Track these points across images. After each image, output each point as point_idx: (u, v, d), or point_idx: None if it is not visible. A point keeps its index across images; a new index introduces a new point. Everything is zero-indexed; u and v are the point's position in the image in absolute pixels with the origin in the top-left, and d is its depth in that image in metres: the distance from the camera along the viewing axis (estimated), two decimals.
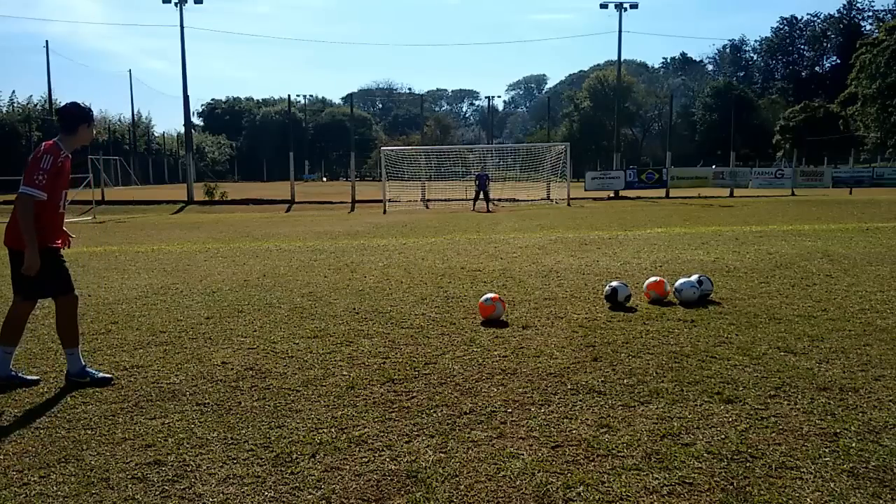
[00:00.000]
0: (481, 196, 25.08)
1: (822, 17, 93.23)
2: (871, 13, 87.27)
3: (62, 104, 4.55)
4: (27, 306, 4.42)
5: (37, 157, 4.17)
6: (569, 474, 3.01)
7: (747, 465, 3.06)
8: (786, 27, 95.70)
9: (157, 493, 2.93)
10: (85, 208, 27.06)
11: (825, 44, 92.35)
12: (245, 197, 33.74)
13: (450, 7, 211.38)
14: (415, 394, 4.09)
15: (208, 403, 3.98)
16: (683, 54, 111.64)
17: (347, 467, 3.13)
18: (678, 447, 3.25)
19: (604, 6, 39.50)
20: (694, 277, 6.58)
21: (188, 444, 3.41)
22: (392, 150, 32.73)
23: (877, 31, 63.07)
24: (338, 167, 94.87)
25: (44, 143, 4.29)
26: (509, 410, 3.79)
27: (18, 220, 4.16)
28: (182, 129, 56.37)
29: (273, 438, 3.46)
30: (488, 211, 23.97)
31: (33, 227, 4.11)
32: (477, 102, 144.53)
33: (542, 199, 30.28)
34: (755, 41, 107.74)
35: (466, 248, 11.56)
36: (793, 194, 32.15)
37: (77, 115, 4.32)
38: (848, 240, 11.54)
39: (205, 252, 11.74)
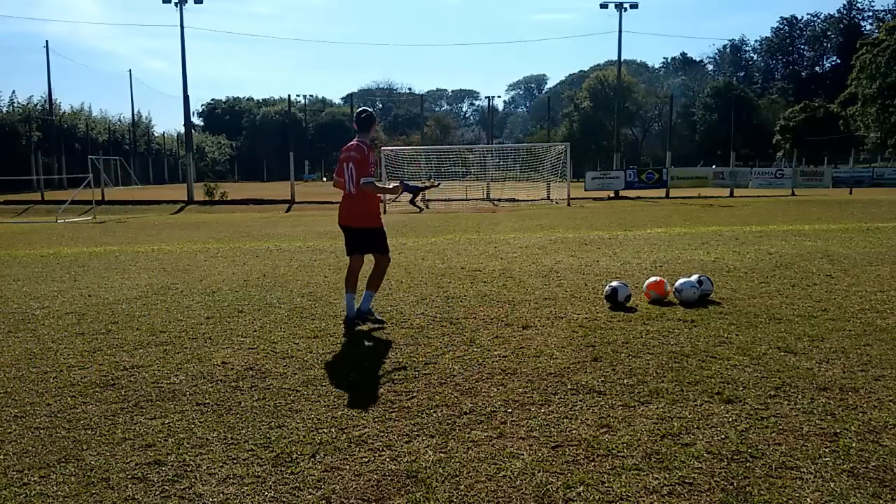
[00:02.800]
0: (417, 201, 26.01)
1: (822, 17, 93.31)
2: (871, 13, 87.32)
3: (359, 110, 6.03)
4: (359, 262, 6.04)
5: (367, 156, 5.80)
6: (569, 474, 3.01)
7: (747, 465, 3.06)
8: (786, 27, 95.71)
9: (157, 493, 2.93)
10: (85, 208, 27.06)
11: (825, 44, 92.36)
12: (245, 197, 33.73)
13: (450, 7, 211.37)
14: (415, 394, 4.09)
15: (208, 403, 3.98)
16: (683, 54, 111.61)
17: (347, 467, 3.14)
18: (678, 447, 3.25)
19: (604, 6, 39.52)
20: (694, 277, 6.58)
21: (188, 444, 3.41)
22: (392, 150, 32.74)
23: (877, 31, 63.08)
24: None
25: (358, 143, 5.86)
26: (509, 410, 3.79)
27: (373, 194, 5.86)
28: (182, 129, 56.42)
29: (273, 438, 3.46)
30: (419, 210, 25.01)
31: (384, 190, 6.16)
32: (477, 102, 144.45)
33: (542, 199, 30.27)
34: (755, 41, 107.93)
35: (466, 248, 11.56)
36: (793, 194, 32.14)
37: (370, 117, 5.94)
38: (848, 240, 11.54)
39: (205, 252, 11.74)
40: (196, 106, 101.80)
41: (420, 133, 56.97)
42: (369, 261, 6.09)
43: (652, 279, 6.66)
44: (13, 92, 63.62)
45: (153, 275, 9.00)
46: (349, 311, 5.84)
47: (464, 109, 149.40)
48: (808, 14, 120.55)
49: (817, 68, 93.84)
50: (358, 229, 5.93)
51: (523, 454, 3.22)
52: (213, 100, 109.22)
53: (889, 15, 75.35)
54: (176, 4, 33.88)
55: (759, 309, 6.11)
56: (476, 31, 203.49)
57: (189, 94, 35.50)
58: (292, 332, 5.61)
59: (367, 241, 5.95)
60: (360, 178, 5.77)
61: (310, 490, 2.93)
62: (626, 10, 39.19)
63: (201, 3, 34.19)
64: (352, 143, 5.96)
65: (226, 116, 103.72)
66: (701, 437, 3.37)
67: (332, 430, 3.57)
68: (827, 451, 3.18)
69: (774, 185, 34.51)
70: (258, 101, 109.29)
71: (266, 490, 2.93)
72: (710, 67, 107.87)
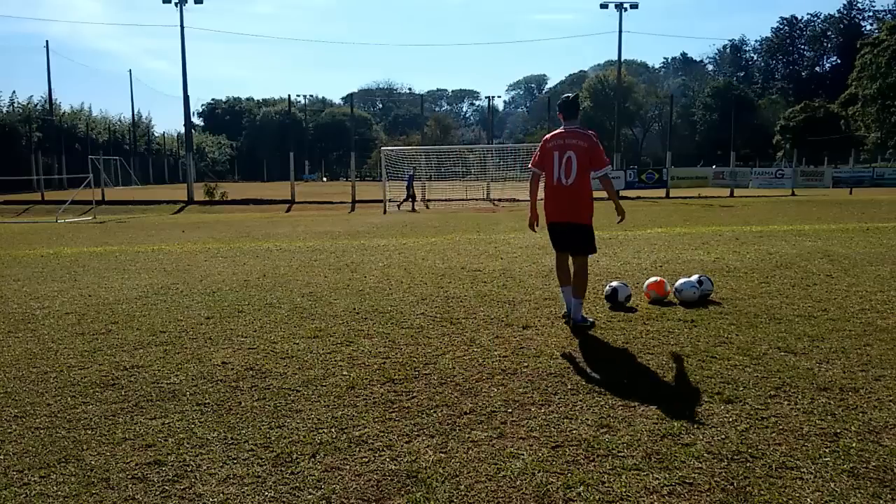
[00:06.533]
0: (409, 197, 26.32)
1: (822, 17, 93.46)
2: (871, 13, 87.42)
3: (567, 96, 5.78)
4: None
5: (598, 142, 5.52)
6: (569, 474, 3.01)
7: (747, 465, 3.06)
8: (786, 27, 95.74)
9: (157, 493, 2.93)
10: (85, 208, 27.09)
11: (825, 44, 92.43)
12: (245, 197, 33.78)
13: (450, 7, 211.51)
14: (415, 394, 4.09)
15: (208, 403, 3.98)
16: (683, 54, 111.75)
17: (347, 467, 3.13)
18: (678, 447, 3.25)
19: (604, 6, 39.56)
20: (694, 277, 6.58)
21: (188, 444, 3.41)
22: (392, 150, 32.75)
23: (877, 30, 63.08)
24: (338, 167, 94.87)
25: (578, 130, 5.55)
26: (509, 410, 3.79)
27: (614, 194, 5.93)
28: (182, 129, 56.43)
29: (273, 438, 3.46)
30: (412, 210, 25.13)
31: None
32: (477, 102, 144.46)
33: (542, 199, 30.28)
34: (755, 41, 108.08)
35: (466, 248, 11.56)
36: (793, 194, 32.15)
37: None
38: (848, 240, 11.53)
39: (205, 252, 11.74)
40: (196, 106, 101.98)
41: (420, 133, 56.96)
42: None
43: (652, 279, 6.66)
44: (13, 92, 63.64)
45: (153, 275, 9.00)
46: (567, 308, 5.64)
47: (464, 109, 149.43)
48: (808, 14, 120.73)
49: (817, 68, 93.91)
50: (569, 224, 5.51)
51: (523, 454, 3.22)
52: (213, 100, 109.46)
53: (889, 15, 75.43)
54: (176, 4, 33.90)
55: (760, 309, 6.11)
56: (476, 31, 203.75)
57: (189, 94, 35.58)
58: (292, 332, 5.61)
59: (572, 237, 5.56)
60: (591, 170, 5.44)
61: (310, 490, 2.93)
62: (626, 10, 39.25)
63: (201, 3, 34.24)
64: (565, 129, 5.51)
65: (226, 116, 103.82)
66: (701, 437, 3.37)
67: (332, 430, 3.56)
68: (827, 451, 3.18)
69: (774, 186, 34.54)
70: (258, 101, 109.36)
71: (266, 490, 2.93)
72: (710, 67, 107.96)
